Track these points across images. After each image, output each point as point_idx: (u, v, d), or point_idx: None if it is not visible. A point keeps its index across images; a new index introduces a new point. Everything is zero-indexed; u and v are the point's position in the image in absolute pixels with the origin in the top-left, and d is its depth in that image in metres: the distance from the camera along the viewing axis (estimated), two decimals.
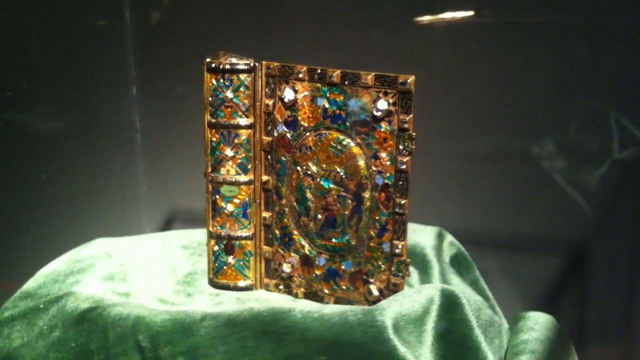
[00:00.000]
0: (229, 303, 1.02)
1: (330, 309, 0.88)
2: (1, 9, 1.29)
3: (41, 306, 0.97)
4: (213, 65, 1.02)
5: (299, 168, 1.01)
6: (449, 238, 1.24)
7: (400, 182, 0.95)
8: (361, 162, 0.97)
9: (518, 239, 1.37)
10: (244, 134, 1.03)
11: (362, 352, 0.83)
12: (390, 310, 0.86)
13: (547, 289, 1.34)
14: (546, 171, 1.32)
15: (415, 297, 0.90)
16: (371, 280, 1.00)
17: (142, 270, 1.08)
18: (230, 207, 1.05)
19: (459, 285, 1.17)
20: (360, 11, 1.28)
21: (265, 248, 1.06)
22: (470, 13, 1.30)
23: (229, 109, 1.02)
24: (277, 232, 1.05)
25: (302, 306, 0.89)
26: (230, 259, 1.06)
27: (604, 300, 1.32)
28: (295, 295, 1.06)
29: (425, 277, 1.13)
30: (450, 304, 0.91)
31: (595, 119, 1.28)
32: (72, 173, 1.43)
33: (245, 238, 1.06)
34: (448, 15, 1.31)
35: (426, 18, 1.31)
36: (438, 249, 1.21)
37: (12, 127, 1.40)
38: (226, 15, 1.34)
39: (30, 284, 1.03)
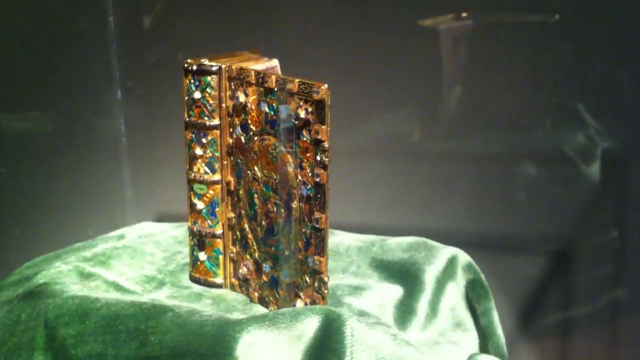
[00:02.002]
0: (184, 297, 1.06)
1: (200, 315, 0.87)
2: None
3: (30, 275, 1.09)
4: (185, 65, 1.06)
5: (249, 172, 1.01)
6: (464, 261, 1.14)
7: (319, 196, 0.91)
8: (291, 171, 0.94)
9: (503, 238, 1.35)
10: (210, 134, 1.05)
11: None
12: (250, 326, 0.83)
13: (533, 287, 1.33)
14: (530, 170, 1.31)
15: (290, 316, 0.85)
16: (301, 294, 0.97)
17: (135, 256, 1.15)
18: (200, 205, 1.08)
19: (452, 314, 1.08)
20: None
21: (231, 248, 1.08)
22: (463, 15, 1.19)
23: (198, 109, 1.05)
24: (238, 233, 1.06)
25: (180, 309, 0.90)
26: (202, 255, 1.09)
27: (589, 298, 1.30)
28: (251, 299, 1.06)
29: (408, 299, 1.06)
30: (329, 330, 0.85)
31: (577, 117, 1.25)
32: (56, 177, 1.46)
33: (214, 236, 1.08)
34: (437, 18, 1.21)
35: (422, 21, 1.21)
36: (445, 272, 1.11)
37: None
38: (210, 18, 1.35)
39: (40, 257, 1.17)
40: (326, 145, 0.88)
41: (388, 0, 1.21)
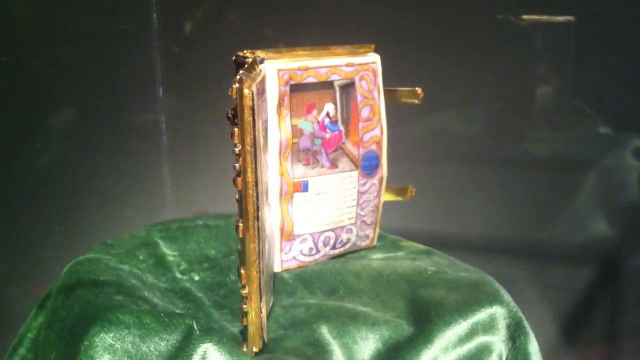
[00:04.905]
0: (211, 285, 1.09)
1: (109, 298, 0.91)
2: (32, 12, 1.37)
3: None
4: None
5: None
6: (511, 320, 0.95)
7: (240, 202, 0.87)
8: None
9: (549, 247, 1.29)
10: None
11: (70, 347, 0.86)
12: (116, 318, 0.84)
13: (579, 298, 1.27)
14: (578, 178, 1.26)
15: (159, 319, 0.84)
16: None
17: (215, 236, 1.20)
18: None
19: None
20: None
21: None
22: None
23: None
24: None
25: (124, 289, 0.94)
26: None
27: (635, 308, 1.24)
28: None
29: (405, 345, 0.93)
30: (181, 348, 0.81)
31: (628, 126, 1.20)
32: (96, 174, 1.41)
33: None
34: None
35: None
36: (477, 326, 0.94)
37: (37, 128, 1.43)
38: (252, 17, 1.23)
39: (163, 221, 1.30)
40: (236, 150, 0.82)
41: None
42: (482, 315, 0.92)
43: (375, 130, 1.11)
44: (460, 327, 0.91)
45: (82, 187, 1.54)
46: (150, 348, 0.81)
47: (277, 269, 1.08)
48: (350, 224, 1.12)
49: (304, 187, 1.07)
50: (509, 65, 1.21)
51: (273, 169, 1.04)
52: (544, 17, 1.18)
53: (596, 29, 1.11)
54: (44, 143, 1.50)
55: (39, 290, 1.17)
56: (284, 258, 1.08)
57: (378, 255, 1.15)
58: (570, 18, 1.15)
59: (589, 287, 1.25)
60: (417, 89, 1.16)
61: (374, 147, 1.11)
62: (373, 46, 1.14)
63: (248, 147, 0.82)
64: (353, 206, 1.11)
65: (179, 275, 1.08)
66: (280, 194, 1.05)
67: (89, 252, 1.10)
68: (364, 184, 1.12)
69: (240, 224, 0.83)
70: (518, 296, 1.00)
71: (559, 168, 1.24)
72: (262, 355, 0.85)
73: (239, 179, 0.82)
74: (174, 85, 1.58)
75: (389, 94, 1.16)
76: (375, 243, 1.17)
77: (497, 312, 0.92)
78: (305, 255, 1.09)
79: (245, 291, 0.85)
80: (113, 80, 1.54)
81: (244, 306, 0.85)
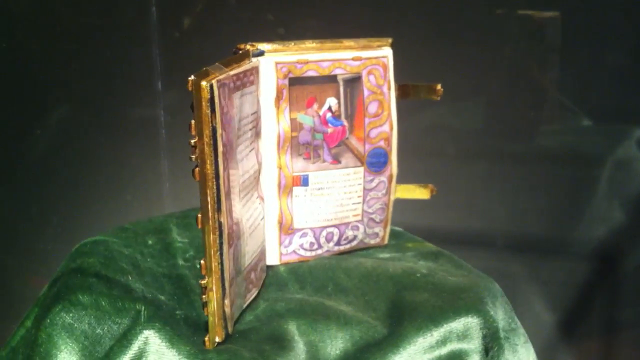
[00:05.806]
0: None
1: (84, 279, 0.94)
2: (31, 5, 1.32)
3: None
4: None
5: None
6: (488, 330, 0.91)
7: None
8: None
9: (547, 242, 1.28)
10: None
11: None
12: (72, 308, 0.88)
13: (577, 292, 1.28)
14: (577, 175, 1.26)
15: (113, 305, 0.86)
16: None
17: None
18: None
19: None
20: None
21: None
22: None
23: None
24: None
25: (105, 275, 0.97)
26: None
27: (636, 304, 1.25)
28: None
29: (370, 348, 0.91)
30: (125, 333, 0.83)
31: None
32: (94, 169, 1.38)
33: None
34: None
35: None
36: (450, 334, 0.91)
37: (35, 122, 1.40)
38: (257, 9, 1.18)
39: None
40: (192, 142, 0.83)
41: None
42: (456, 323, 0.88)
43: (384, 126, 1.09)
44: (431, 333, 0.88)
45: (80, 181, 1.53)
46: (104, 330, 0.83)
47: (274, 261, 1.08)
48: (357, 221, 1.10)
49: (304, 182, 1.06)
50: (517, 59, 1.15)
51: (270, 162, 1.04)
52: (557, 13, 1.12)
53: (595, 23, 1.03)
54: (42, 136, 1.48)
55: (36, 282, 1.19)
56: (283, 252, 1.08)
57: (384, 255, 1.12)
58: (580, 11, 1.08)
59: (595, 281, 1.23)
60: (436, 85, 1.13)
61: (382, 143, 1.09)
62: (390, 40, 1.11)
63: (206, 139, 0.82)
64: (359, 203, 1.09)
65: (181, 262, 1.10)
66: (279, 187, 1.05)
67: (100, 234, 1.14)
68: (371, 180, 1.09)
69: (199, 216, 0.84)
70: (523, 291, 1.07)
71: (565, 162, 1.23)
72: (218, 347, 0.85)
73: (197, 171, 0.83)
74: (173, 79, 1.54)
75: (406, 90, 1.13)
76: (386, 241, 1.14)
77: (473, 321, 0.88)
78: (306, 250, 1.09)
79: (204, 282, 0.85)
80: (112, 74, 1.51)
81: (203, 296, 0.86)
